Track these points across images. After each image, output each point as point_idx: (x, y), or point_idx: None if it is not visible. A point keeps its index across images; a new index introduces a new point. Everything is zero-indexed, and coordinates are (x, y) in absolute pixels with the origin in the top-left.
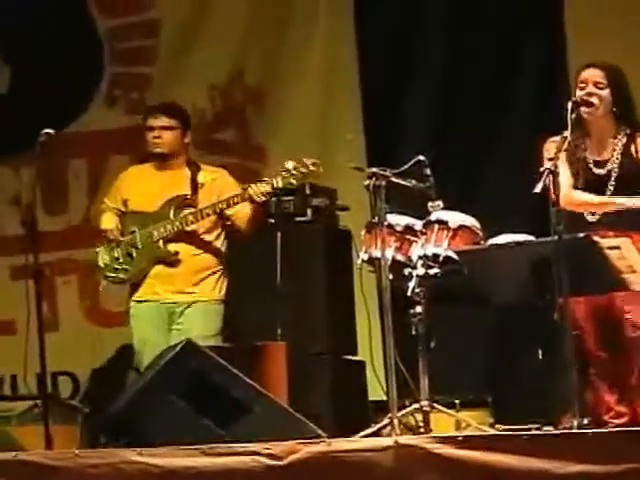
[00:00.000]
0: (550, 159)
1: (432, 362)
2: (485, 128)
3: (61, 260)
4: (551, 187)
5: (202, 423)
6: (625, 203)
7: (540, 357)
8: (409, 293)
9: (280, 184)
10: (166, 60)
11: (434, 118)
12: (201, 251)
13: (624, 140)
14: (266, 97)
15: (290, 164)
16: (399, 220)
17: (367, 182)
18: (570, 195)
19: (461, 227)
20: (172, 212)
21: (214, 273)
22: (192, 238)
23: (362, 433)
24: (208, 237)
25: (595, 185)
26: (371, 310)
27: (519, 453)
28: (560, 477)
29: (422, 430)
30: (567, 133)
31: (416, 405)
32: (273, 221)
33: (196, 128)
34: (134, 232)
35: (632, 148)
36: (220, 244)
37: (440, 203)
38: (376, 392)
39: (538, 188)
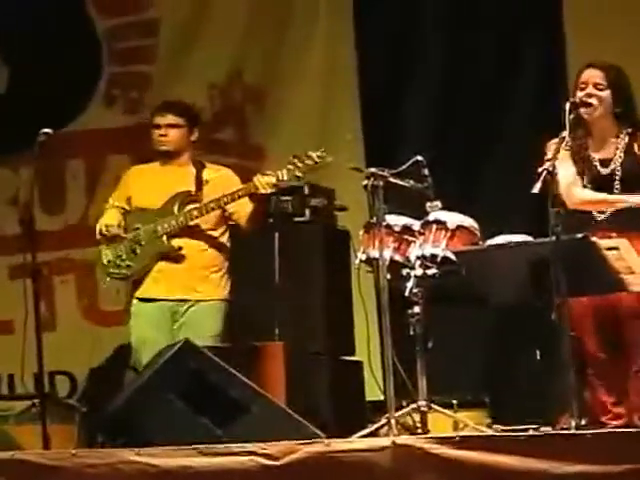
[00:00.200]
0: (548, 160)
1: (430, 362)
2: (484, 128)
3: (59, 259)
4: (549, 187)
5: (200, 423)
6: (628, 199)
7: (538, 358)
8: (407, 293)
9: (285, 176)
10: (165, 59)
11: (433, 118)
12: (207, 247)
13: (626, 139)
14: (265, 97)
15: (295, 157)
16: (397, 220)
17: (365, 182)
18: (571, 193)
19: (459, 227)
20: (176, 208)
21: (219, 270)
22: (197, 234)
23: (360, 433)
24: (214, 233)
25: (602, 184)
26: (369, 310)
27: (517, 453)
28: (558, 477)
29: (420, 430)
30: (565, 134)
31: (414, 405)
32: (271, 221)
33: None
34: (138, 229)
35: (635, 147)
36: (225, 241)
37: (438, 203)
38: (374, 392)
39: (536, 188)
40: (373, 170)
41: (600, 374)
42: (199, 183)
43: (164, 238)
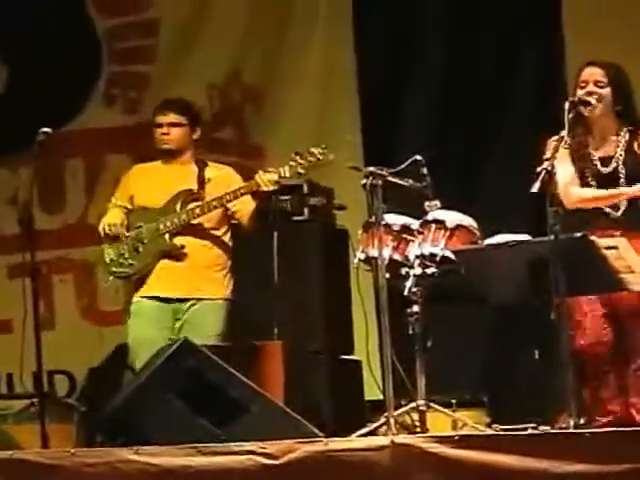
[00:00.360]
0: (547, 159)
1: (429, 362)
2: (483, 128)
3: (58, 259)
4: (548, 187)
5: (199, 422)
6: (626, 191)
7: (537, 357)
8: (406, 292)
9: (288, 173)
10: (165, 59)
11: (432, 119)
12: (209, 245)
13: (627, 137)
14: (265, 97)
15: (297, 154)
16: (396, 219)
17: (364, 181)
18: (569, 193)
19: (458, 227)
20: (179, 206)
21: (222, 269)
22: (200, 232)
23: (358, 432)
24: (216, 232)
25: (604, 182)
26: (368, 309)
27: (516, 453)
28: (557, 477)
29: (418, 429)
30: (564, 133)
31: (413, 404)
32: (270, 220)
33: None
34: (140, 227)
35: (635, 145)
36: (228, 239)
37: (437, 203)
38: (373, 391)
39: (535, 188)
40: (372, 169)
41: (597, 371)
42: (201, 181)
43: (167, 236)
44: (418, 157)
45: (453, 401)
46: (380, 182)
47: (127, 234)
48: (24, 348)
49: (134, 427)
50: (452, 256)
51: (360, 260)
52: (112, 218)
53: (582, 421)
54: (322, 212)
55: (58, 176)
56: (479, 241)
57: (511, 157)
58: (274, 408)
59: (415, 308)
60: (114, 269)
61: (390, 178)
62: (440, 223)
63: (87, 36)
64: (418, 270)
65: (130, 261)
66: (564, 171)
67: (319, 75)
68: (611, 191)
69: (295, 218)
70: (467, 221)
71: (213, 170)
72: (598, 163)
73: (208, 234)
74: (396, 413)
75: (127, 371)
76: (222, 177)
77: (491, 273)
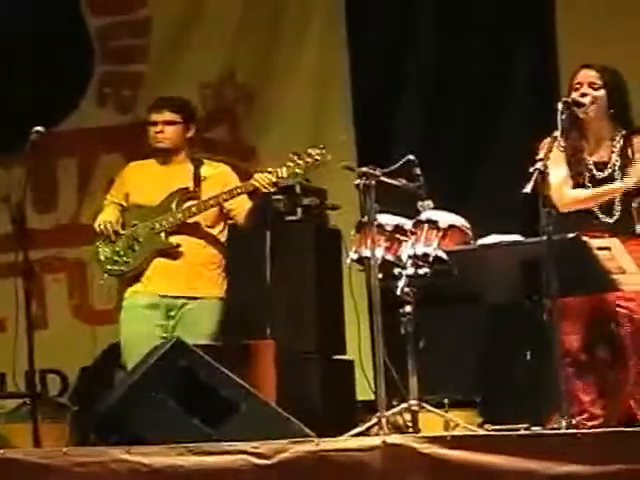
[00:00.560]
0: (540, 160)
1: (421, 362)
2: (477, 128)
3: (50, 258)
4: (540, 187)
5: (191, 422)
6: (615, 187)
7: (528, 358)
8: (398, 293)
9: (285, 174)
10: (158, 58)
11: (425, 119)
12: (205, 244)
13: (621, 142)
14: (258, 97)
15: (295, 154)
16: (389, 220)
17: (357, 181)
18: (563, 195)
19: (451, 227)
20: (175, 205)
21: (217, 268)
22: (196, 231)
23: (350, 433)
24: (212, 230)
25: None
26: (360, 309)
27: (508, 453)
28: (549, 477)
29: (410, 430)
30: (557, 133)
31: (405, 405)
32: (263, 219)
33: None
34: (136, 225)
35: (628, 151)
36: (223, 238)
37: (430, 203)
38: (365, 392)
39: (528, 188)
40: (365, 169)
41: (580, 372)
42: (197, 180)
43: (162, 235)
44: (411, 157)
45: (445, 401)
46: (373, 182)
47: (122, 232)
48: (17, 347)
49: (126, 426)
50: (445, 256)
51: (353, 260)
52: (107, 216)
53: (574, 422)
54: (315, 212)
55: (51, 175)
56: (472, 241)
57: (504, 158)
58: (266, 408)
59: (407, 308)
60: (109, 267)
61: (383, 178)
62: (433, 223)
63: (80, 35)
64: (411, 270)
65: (125, 259)
66: (557, 172)
67: (312, 75)
68: (604, 188)
69: (288, 218)
70: (460, 221)
71: (209, 168)
72: (593, 168)
73: (204, 232)
74: (388, 413)
75: (119, 370)
76: (218, 175)
77: (484, 274)
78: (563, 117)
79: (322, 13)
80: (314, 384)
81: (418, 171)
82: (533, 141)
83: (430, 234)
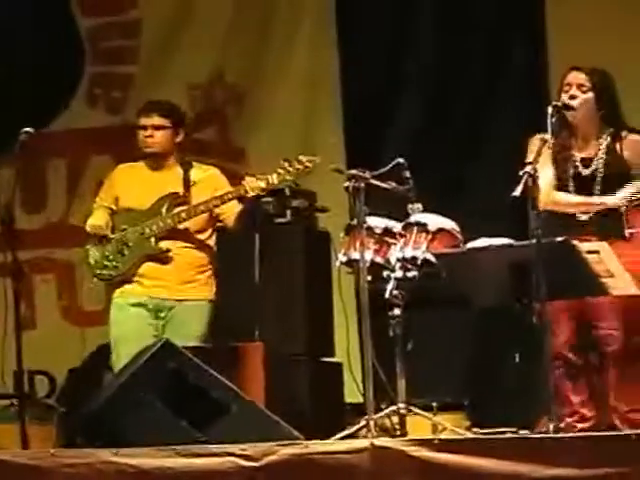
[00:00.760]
0: (529, 162)
1: (409, 365)
2: (467, 131)
3: (39, 258)
4: (530, 190)
5: (179, 424)
6: (606, 202)
7: (517, 360)
8: (387, 295)
9: (275, 180)
10: (148, 60)
11: (415, 121)
12: (194, 248)
13: (608, 140)
14: (248, 98)
15: (286, 161)
16: (378, 222)
17: (347, 184)
18: (551, 196)
19: (440, 230)
20: (164, 209)
21: (206, 271)
22: (185, 235)
23: (338, 435)
24: (201, 235)
25: (582, 185)
26: (349, 312)
27: (495, 456)
28: None
29: (398, 433)
30: (547, 136)
31: (393, 407)
32: (252, 222)
33: None
34: (125, 229)
35: (617, 146)
36: (212, 243)
37: (419, 206)
38: (353, 394)
39: (517, 191)
40: (354, 172)
41: (569, 374)
42: (187, 184)
43: (152, 240)
44: (401, 160)
45: (434, 404)
46: (362, 185)
47: (112, 236)
48: (5, 348)
49: (114, 428)
50: (434, 259)
51: (342, 263)
52: (96, 219)
53: (562, 425)
54: (304, 214)
55: (40, 176)
56: (461, 244)
57: (494, 160)
58: (254, 410)
59: (396, 311)
60: (98, 271)
61: (372, 181)
62: (422, 226)
63: (70, 35)
64: (399, 273)
65: (114, 263)
66: (546, 175)
67: (302, 77)
68: (590, 199)
69: (277, 220)
70: (449, 225)
71: (198, 172)
72: (579, 164)
73: (193, 237)
74: (376, 416)
75: (107, 372)
76: (208, 179)
77: (473, 277)
78: (553, 120)
79: (312, 15)
80: (302, 386)
81: (408, 174)
82: (523, 142)
83: (419, 237)
